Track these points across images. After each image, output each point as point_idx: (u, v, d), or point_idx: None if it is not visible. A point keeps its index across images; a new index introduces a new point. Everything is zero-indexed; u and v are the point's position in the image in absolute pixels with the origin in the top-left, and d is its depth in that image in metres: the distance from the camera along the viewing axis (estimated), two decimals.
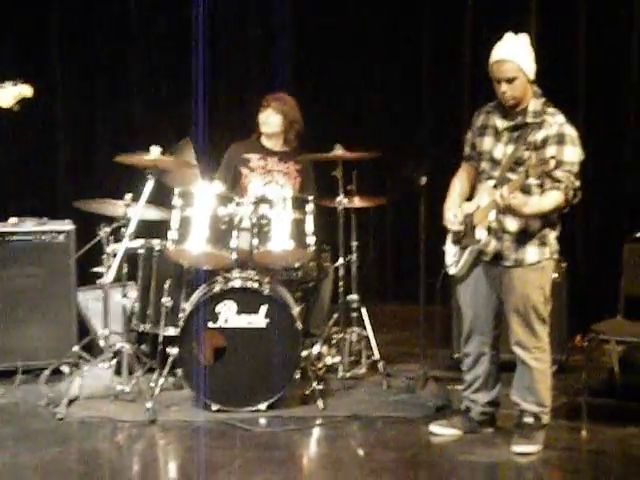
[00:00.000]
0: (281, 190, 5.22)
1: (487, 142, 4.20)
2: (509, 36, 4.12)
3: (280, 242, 4.78)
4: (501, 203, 3.98)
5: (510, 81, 4.06)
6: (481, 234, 4.12)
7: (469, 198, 4.28)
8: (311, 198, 4.90)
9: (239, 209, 4.80)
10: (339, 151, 5.08)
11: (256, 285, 4.75)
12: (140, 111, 6.53)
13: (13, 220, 5.36)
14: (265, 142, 5.44)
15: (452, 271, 4.33)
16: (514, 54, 4.06)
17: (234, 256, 4.78)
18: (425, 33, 6.91)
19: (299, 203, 4.84)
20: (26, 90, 4.62)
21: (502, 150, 4.15)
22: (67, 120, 6.54)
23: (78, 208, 5.27)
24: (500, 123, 4.18)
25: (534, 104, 4.12)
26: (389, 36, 6.88)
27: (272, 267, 5.00)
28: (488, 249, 4.15)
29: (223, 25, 6.62)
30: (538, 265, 4.14)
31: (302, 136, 5.45)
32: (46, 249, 5.32)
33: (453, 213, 4.23)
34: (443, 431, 4.39)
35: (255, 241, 4.79)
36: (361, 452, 4.31)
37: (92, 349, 5.29)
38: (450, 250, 4.32)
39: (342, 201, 5.16)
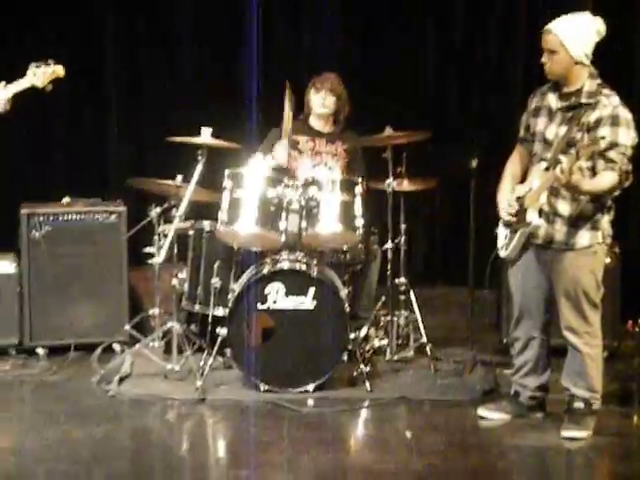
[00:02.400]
0: (330, 172, 5.21)
1: (541, 123, 4.16)
2: (571, 13, 4.08)
3: (328, 224, 4.78)
4: (562, 178, 3.90)
5: (551, 53, 4.04)
6: (532, 217, 4.09)
7: (522, 181, 4.24)
8: (360, 180, 4.89)
9: (288, 191, 4.81)
10: (389, 133, 5.06)
11: (304, 267, 4.76)
12: (191, 91, 6.55)
13: (66, 200, 5.44)
14: (314, 123, 5.42)
15: (503, 254, 4.29)
16: (560, 28, 4.04)
17: (283, 238, 4.79)
18: (475, 14, 6.83)
19: (348, 185, 4.83)
20: (59, 70, 4.72)
21: (554, 131, 4.11)
22: (118, 101, 6.58)
23: (130, 189, 5.32)
24: (554, 103, 4.13)
25: (589, 85, 4.07)
26: (438, 16, 6.81)
27: (320, 249, 5.00)
28: (539, 232, 4.12)
29: (275, 7, 6.60)
30: (590, 249, 4.10)
31: (349, 117, 5.43)
32: (98, 229, 5.38)
33: (505, 196, 4.19)
34: (491, 415, 4.38)
35: (304, 223, 4.80)
36: (409, 435, 4.31)
37: (143, 328, 5.36)
38: (502, 232, 4.29)
39: (391, 183, 5.14)
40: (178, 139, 4.86)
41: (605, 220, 4.13)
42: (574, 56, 4.04)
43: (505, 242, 4.26)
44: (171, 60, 6.63)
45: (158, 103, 6.53)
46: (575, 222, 4.08)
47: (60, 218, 5.34)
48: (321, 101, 5.33)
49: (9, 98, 4.64)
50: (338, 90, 5.32)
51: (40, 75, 4.64)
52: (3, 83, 4.64)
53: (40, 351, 5.30)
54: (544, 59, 4.07)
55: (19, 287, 5.27)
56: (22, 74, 4.67)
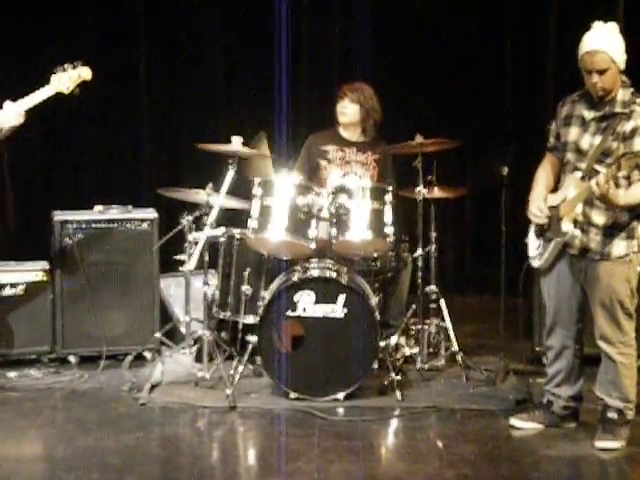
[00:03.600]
0: (360, 180, 5.20)
1: (573, 132, 4.13)
2: (599, 25, 4.03)
3: (359, 232, 4.78)
4: (597, 191, 3.89)
5: (602, 72, 3.98)
6: (567, 227, 4.06)
7: (553, 190, 4.21)
8: (390, 188, 4.88)
9: (318, 199, 4.81)
10: (419, 141, 5.04)
11: (334, 275, 4.75)
12: (222, 100, 6.58)
13: (99, 208, 5.47)
14: (343, 133, 5.43)
15: (536, 263, 4.26)
16: (606, 45, 3.97)
17: (313, 245, 4.79)
18: (508, 21, 6.81)
19: (378, 193, 4.83)
20: (86, 73, 4.57)
21: (589, 140, 4.07)
22: (151, 109, 6.63)
23: (161, 197, 5.35)
24: (587, 113, 4.09)
25: (622, 94, 4.03)
26: (471, 23, 6.80)
27: (350, 257, 5.00)
28: (574, 242, 4.08)
29: (305, 14, 6.61)
30: (625, 258, 4.06)
31: (380, 126, 5.42)
32: (130, 237, 5.41)
33: (538, 205, 4.16)
34: (524, 425, 4.34)
35: (334, 231, 4.80)
36: (440, 444, 4.28)
37: (174, 335, 5.38)
38: (533, 242, 4.26)
39: (422, 191, 5.12)
40: (209, 147, 4.88)
41: None
42: (621, 67, 4.02)
43: (538, 252, 4.23)
44: (203, 70, 6.66)
45: (190, 112, 6.56)
46: (610, 231, 4.05)
47: (92, 226, 5.37)
48: (342, 110, 5.34)
49: (21, 113, 4.48)
50: (361, 99, 5.31)
51: (66, 80, 4.52)
52: (8, 101, 4.49)
53: (72, 359, 5.34)
54: (595, 79, 3.97)
55: (51, 295, 5.31)
56: (46, 81, 4.55)
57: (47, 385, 4.96)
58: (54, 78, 4.55)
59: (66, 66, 4.55)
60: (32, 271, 5.32)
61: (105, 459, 3.99)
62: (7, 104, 4.50)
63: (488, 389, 4.86)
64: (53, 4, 6.18)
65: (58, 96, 4.57)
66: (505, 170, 5.05)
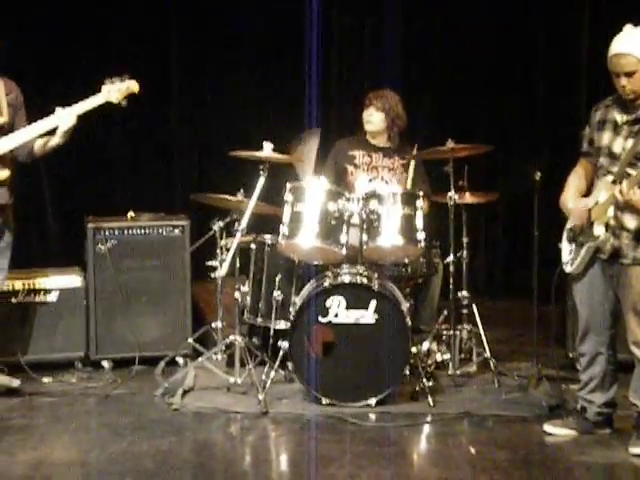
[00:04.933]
0: (389, 186, 5.21)
1: (606, 137, 4.10)
2: (628, 28, 4.01)
3: (389, 238, 4.78)
4: (620, 199, 3.90)
5: (629, 75, 3.96)
6: (599, 231, 4.03)
7: (586, 194, 4.18)
8: (421, 194, 4.87)
9: (349, 204, 4.81)
10: (450, 146, 5.04)
11: (365, 281, 4.75)
12: (254, 106, 6.61)
13: (131, 214, 5.52)
14: (370, 139, 5.45)
15: (568, 269, 4.24)
16: (634, 47, 3.95)
17: (344, 251, 4.79)
18: (539, 26, 6.78)
19: (409, 199, 4.82)
20: (133, 86, 4.71)
21: (621, 144, 4.05)
22: (182, 115, 6.67)
23: (193, 203, 5.38)
24: (619, 117, 4.07)
25: None
26: (501, 28, 6.78)
27: (381, 263, 5.00)
28: (606, 246, 4.05)
29: (336, 20, 6.63)
30: None
31: (406, 132, 5.43)
32: (162, 243, 5.46)
33: (571, 207, 4.14)
34: (557, 431, 4.31)
35: (365, 237, 4.80)
36: (473, 450, 4.25)
37: (206, 341, 5.40)
38: (566, 247, 4.23)
39: (453, 197, 5.11)
40: (241, 154, 4.90)
41: None
42: None
43: (570, 257, 4.20)
44: (234, 76, 6.70)
45: (222, 117, 6.60)
46: None
47: (125, 232, 5.42)
48: (368, 118, 5.36)
49: (75, 115, 4.63)
50: (387, 107, 5.32)
51: (114, 91, 4.65)
52: (59, 108, 4.65)
53: (105, 364, 5.39)
54: (623, 82, 3.97)
55: (85, 300, 5.36)
56: (94, 90, 4.68)
57: (81, 390, 5.01)
58: (104, 88, 4.69)
59: (114, 79, 4.68)
60: (66, 277, 5.38)
61: (138, 464, 4.01)
62: (58, 109, 4.63)
63: (521, 395, 4.83)
64: (86, 10, 6.26)
65: (106, 106, 4.68)
66: (538, 175, 5.03)
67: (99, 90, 4.67)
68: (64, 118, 4.62)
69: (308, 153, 5.13)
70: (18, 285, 5.24)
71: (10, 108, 4.68)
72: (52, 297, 5.31)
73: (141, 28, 6.49)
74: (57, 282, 5.34)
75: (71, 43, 6.26)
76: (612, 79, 4.05)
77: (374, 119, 5.36)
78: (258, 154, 4.82)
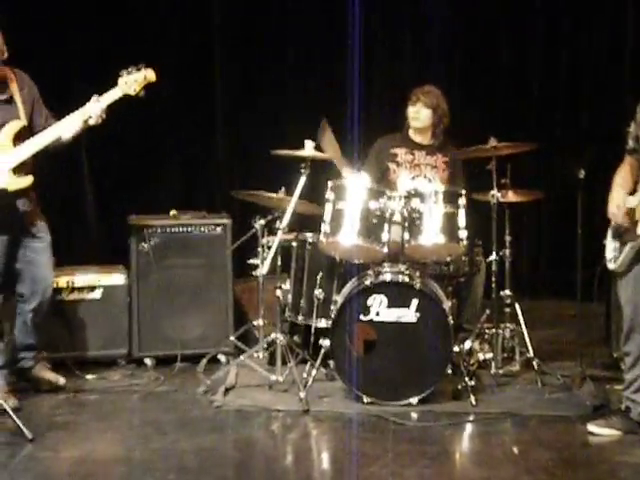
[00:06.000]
0: (431, 184, 5.18)
1: None
2: None
3: (431, 236, 4.75)
4: None
5: None
6: None
7: (632, 192, 4.13)
8: (464, 192, 4.84)
9: (390, 203, 4.80)
10: (493, 144, 5.00)
11: (407, 279, 4.73)
12: (295, 104, 6.62)
13: (173, 213, 5.55)
14: (413, 136, 5.42)
15: (612, 266, 4.19)
16: None
17: (385, 249, 4.78)
18: (584, 20, 6.71)
19: (451, 197, 4.79)
20: (150, 75, 4.63)
21: None
22: (224, 114, 6.70)
23: (234, 201, 5.40)
24: None
25: None
26: (545, 25, 6.72)
27: (423, 261, 4.97)
28: None
29: (378, 16, 6.61)
30: None
31: (453, 129, 5.39)
32: (204, 241, 5.49)
33: (617, 204, 4.09)
34: (601, 431, 4.27)
35: (406, 235, 4.78)
36: (515, 450, 4.22)
37: (247, 339, 5.42)
38: (610, 245, 4.18)
39: (496, 195, 5.07)
40: (282, 153, 4.91)
41: None
42: None
43: (614, 254, 4.16)
44: (277, 74, 6.71)
45: (264, 115, 6.62)
46: None
47: (167, 230, 5.45)
48: (415, 114, 5.32)
49: (104, 109, 4.62)
50: (434, 103, 5.29)
51: (132, 82, 4.60)
52: (96, 95, 4.64)
53: (148, 361, 5.43)
54: None
55: (128, 298, 5.41)
56: (113, 83, 4.64)
57: (124, 387, 5.05)
58: (120, 80, 4.64)
59: (130, 69, 4.63)
60: (110, 275, 5.42)
61: (181, 461, 4.04)
62: (94, 97, 4.61)
63: (564, 395, 4.78)
64: (128, 11, 6.30)
65: (125, 98, 4.65)
66: (582, 173, 4.97)
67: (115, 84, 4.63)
68: (96, 109, 4.59)
69: (329, 146, 5.09)
70: (62, 283, 5.29)
71: (27, 105, 4.66)
72: (96, 295, 5.36)
73: (183, 27, 6.53)
74: (101, 280, 5.39)
75: (104, 36, 6.29)
76: None
77: (422, 115, 5.33)
78: (299, 153, 4.82)
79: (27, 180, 4.63)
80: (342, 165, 5.18)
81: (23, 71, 4.74)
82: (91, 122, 4.65)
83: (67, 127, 4.64)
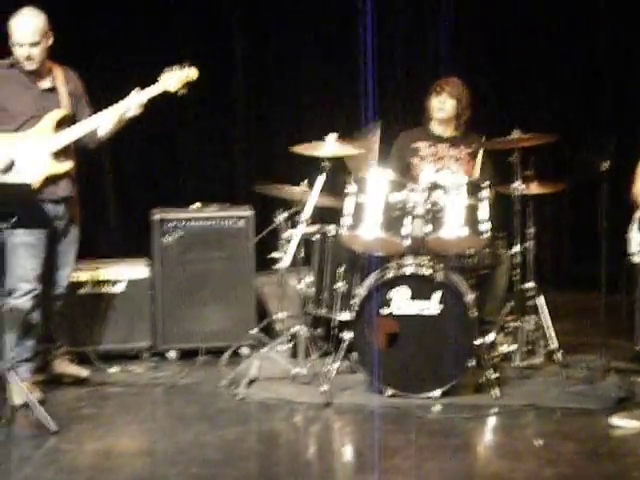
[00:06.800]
0: (454, 176, 5.16)
1: None
2: None
3: (454, 229, 4.73)
4: None
5: None
6: None
7: None
8: (486, 184, 4.82)
9: (412, 195, 4.78)
10: (516, 136, 4.97)
11: (429, 272, 4.72)
12: (315, 97, 6.62)
13: (196, 206, 5.57)
14: (435, 128, 5.39)
15: (637, 259, 4.16)
16: None
17: (407, 242, 4.77)
18: (606, 13, 6.66)
19: (473, 189, 4.77)
20: (193, 73, 4.70)
21: None
22: (247, 107, 6.71)
23: (257, 194, 5.41)
24: None
25: None
26: (566, 16, 6.67)
27: (445, 254, 4.95)
28: None
29: (391, 14, 6.59)
30: None
31: (471, 121, 5.37)
32: (227, 234, 5.50)
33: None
34: (625, 424, 4.24)
35: (428, 227, 4.76)
36: (539, 443, 4.19)
37: (270, 332, 5.43)
38: (635, 237, 4.16)
39: (519, 187, 5.04)
40: (303, 149, 4.89)
41: None
42: None
43: (639, 247, 4.12)
44: (297, 68, 6.71)
45: (285, 109, 6.62)
46: None
47: (190, 223, 5.47)
48: (440, 105, 5.30)
49: (143, 103, 4.69)
50: (458, 94, 5.27)
51: (174, 80, 4.68)
52: (138, 89, 4.70)
53: (171, 354, 5.46)
54: None
55: (151, 291, 5.43)
56: (154, 79, 4.70)
57: (148, 380, 5.08)
58: (163, 77, 4.71)
59: (174, 67, 4.69)
60: (133, 268, 5.45)
61: (205, 453, 4.05)
62: (134, 91, 4.67)
63: (588, 387, 4.75)
64: (150, 5, 6.33)
65: (165, 94, 4.70)
66: (606, 165, 4.93)
67: (157, 80, 4.68)
68: (135, 103, 4.65)
69: (369, 148, 5.09)
70: (85, 276, 5.33)
71: (71, 98, 4.71)
72: (119, 288, 5.40)
73: (204, 21, 6.54)
74: (124, 273, 5.42)
75: (131, 30, 6.32)
76: None
77: (447, 106, 5.30)
78: (318, 152, 4.80)
79: (67, 165, 4.67)
80: (359, 171, 5.18)
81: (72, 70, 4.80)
82: (128, 114, 4.69)
83: (106, 118, 4.67)
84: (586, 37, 6.72)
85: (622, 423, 4.25)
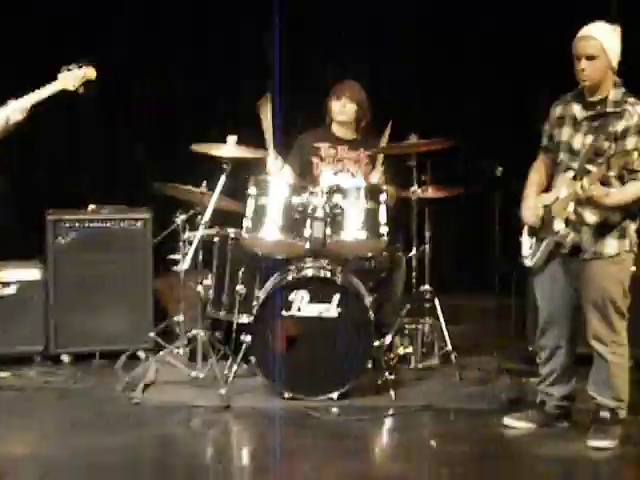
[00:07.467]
0: (353, 179, 5.21)
1: (565, 132, 4.14)
2: (602, 22, 4.06)
3: (353, 232, 4.77)
4: (582, 195, 3.94)
5: (590, 59, 4.00)
6: (559, 226, 4.06)
7: (546, 190, 4.22)
8: (385, 188, 4.88)
9: (313, 198, 4.80)
10: (413, 140, 5.05)
11: (329, 274, 4.76)
12: (217, 99, 6.58)
13: (92, 207, 5.47)
14: (335, 131, 5.43)
15: (528, 263, 4.27)
16: (600, 34, 4.02)
17: (307, 245, 4.79)
18: (502, 24, 6.82)
19: (373, 193, 4.83)
20: (91, 72, 4.68)
21: (581, 140, 4.08)
22: (147, 108, 6.62)
23: (155, 196, 5.34)
24: (579, 113, 4.11)
25: (614, 94, 4.05)
26: (466, 26, 6.80)
27: (345, 257, 4.99)
28: (566, 241, 4.09)
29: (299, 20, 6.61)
30: (617, 258, 4.06)
31: (371, 124, 5.44)
32: (124, 236, 5.41)
33: (530, 204, 4.18)
34: (517, 424, 4.34)
35: (328, 230, 4.79)
36: (433, 443, 4.28)
37: (168, 335, 5.37)
38: (526, 241, 4.27)
39: (416, 191, 5.13)
40: (204, 149, 4.86)
41: (632, 228, 4.10)
42: (612, 62, 4.03)
43: (531, 251, 4.24)
44: (197, 68, 6.66)
45: (186, 109, 6.56)
46: (602, 230, 4.05)
47: (86, 225, 5.37)
48: (341, 108, 5.34)
49: (26, 108, 4.58)
50: (358, 98, 5.32)
51: (71, 78, 4.62)
52: (13, 99, 4.60)
53: (65, 358, 5.34)
54: (583, 65, 4.01)
55: (44, 294, 5.31)
56: (53, 78, 4.63)
57: (40, 385, 4.96)
58: (60, 75, 4.65)
59: (72, 66, 4.63)
60: (25, 270, 5.32)
61: (99, 459, 3.98)
62: (11, 101, 4.58)
63: (481, 388, 4.87)
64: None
65: (64, 93, 4.64)
66: (499, 171, 5.06)
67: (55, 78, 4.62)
68: (15, 111, 4.56)
69: (265, 121, 5.08)
70: None
71: None
72: (10, 290, 5.26)
73: (99, 13, 6.41)
74: (16, 275, 5.29)
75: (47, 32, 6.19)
76: (574, 67, 4.06)
77: (348, 110, 5.34)
78: (219, 152, 4.78)
79: None
80: (270, 143, 5.15)
81: None
82: (11, 122, 4.57)
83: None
84: (484, 43, 6.84)
85: (514, 424, 4.35)
